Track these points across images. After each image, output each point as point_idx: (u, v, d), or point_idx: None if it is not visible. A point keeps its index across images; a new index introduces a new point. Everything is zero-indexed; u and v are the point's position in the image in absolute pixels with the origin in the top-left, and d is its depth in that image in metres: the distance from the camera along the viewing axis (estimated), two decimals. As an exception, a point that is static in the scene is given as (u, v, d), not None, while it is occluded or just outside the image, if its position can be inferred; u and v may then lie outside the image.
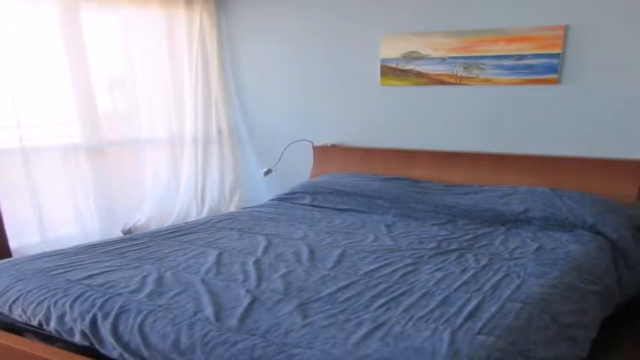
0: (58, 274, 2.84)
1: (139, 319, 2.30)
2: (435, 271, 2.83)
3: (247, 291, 2.55)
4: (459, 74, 4.57)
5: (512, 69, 4.33)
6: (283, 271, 2.85)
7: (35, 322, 2.57)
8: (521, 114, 4.40)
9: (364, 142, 5.21)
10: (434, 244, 3.33)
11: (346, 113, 5.27)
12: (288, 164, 5.49)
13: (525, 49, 4.24)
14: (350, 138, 5.30)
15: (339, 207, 4.43)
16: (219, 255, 3.16)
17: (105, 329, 2.34)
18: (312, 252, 3.20)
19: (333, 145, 5.32)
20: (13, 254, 4.03)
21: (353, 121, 5.26)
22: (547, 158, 4.29)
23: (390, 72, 4.90)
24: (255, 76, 5.71)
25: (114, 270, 2.90)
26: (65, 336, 2.49)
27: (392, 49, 4.85)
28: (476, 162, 4.58)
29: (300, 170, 5.48)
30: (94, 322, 2.38)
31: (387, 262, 2.98)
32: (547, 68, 4.18)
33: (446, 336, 2.03)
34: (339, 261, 3.03)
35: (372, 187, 4.47)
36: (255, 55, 5.65)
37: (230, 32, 5.71)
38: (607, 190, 3.98)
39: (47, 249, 3.42)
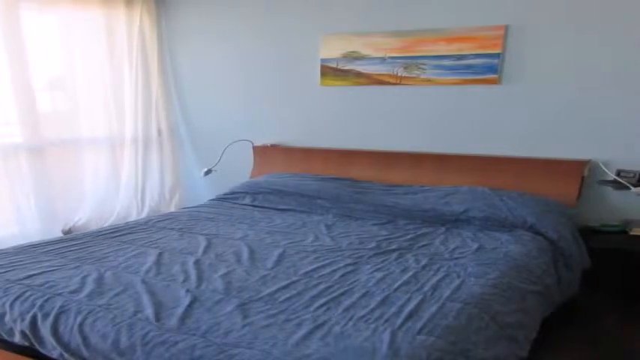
0: (-2, 274, 2.79)
1: (79, 319, 2.28)
2: (375, 271, 2.80)
3: (187, 291, 2.51)
4: (400, 74, 4.56)
5: (452, 69, 4.34)
6: (223, 271, 2.82)
7: (-26, 323, 2.51)
8: (462, 114, 4.42)
9: (304, 142, 5.18)
10: (374, 244, 3.31)
11: (286, 113, 5.23)
12: (229, 164, 5.41)
13: (466, 49, 4.25)
14: (290, 138, 5.25)
15: (279, 207, 4.39)
16: (160, 255, 3.11)
17: (45, 329, 2.32)
18: (252, 252, 3.17)
19: (273, 145, 5.27)
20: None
21: (293, 121, 5.22)
22: (488, 158, 4.31)
23: (330, 72, 4.87)
24: (196, 77, 5.64)
25: (54, 270, 2.85)
26: (5, 336, 2.48)
27: (332, 49, 4.83)
28: (416, 162, 4.57)
29: (241, 170, 5.42)
30: (34, 322, 2.36)
31: (327, 262, 2.95)
32: (487, 68, 4.20)
33: (386, 336, 2.00)
34: (279, 261, 2.99)
35: (312, 187, 4.44)
36: (196, 55, 5.58)
37: (170, 32, 5.63)
38: (547, 191, 4.00)
39: (-14, 249, 3.35)
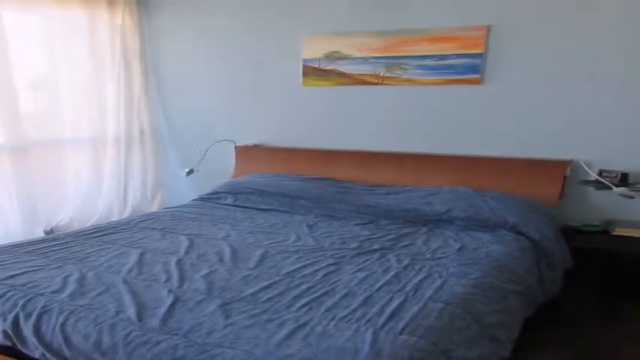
0: (-19, 273, 2.79)
1: (60, 319, 2.28)
2: (357, 271, 2.79)
3: (169, 291, 2.51)
4: (382, 74, 4.55)
5: (434, 69, 4.35)
6: (206, 271, 2.81)
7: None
8: (444, 114, 4.42)
9: (287, 142, 5.17)
10: (356, 244, 3.30)
11: (268, 113, 5.22)
12: (211, 164, 5.39)
13: (448, 49, 4.26)
14: (272, 138, 5.24)
15: (262, 207, 4.38)
16: (141, 255, 3.10)
17: (27, 329, 2.32)
18: (234, 252, 3.16)
19: (255, 145, 5.26)
20: None
21: (275, 121, 5.21)
22: (470, 158, 4.31)
23: (313, 72, 4.86)
24: (178, 76, 5.63)
25: (36, 270, 2.85)
26: (-13, 336, 2.47)
27: (314, 49, 4.82)
28: (399, 162, 4.57)
29: (223, 170, 5.39)
30: (16, 322, 2.36)
31: (309, 262, 2.95)
32: (469, 68, 4.21)
33: (368, 336, 2.00)
34: (261, 261, 2.99)
35: (294, 187, 4.43)
36: (178, 55, 5.57)
37: (152, 32, 5.61)
38: (530, 191, 4.01)
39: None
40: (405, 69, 4.45)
